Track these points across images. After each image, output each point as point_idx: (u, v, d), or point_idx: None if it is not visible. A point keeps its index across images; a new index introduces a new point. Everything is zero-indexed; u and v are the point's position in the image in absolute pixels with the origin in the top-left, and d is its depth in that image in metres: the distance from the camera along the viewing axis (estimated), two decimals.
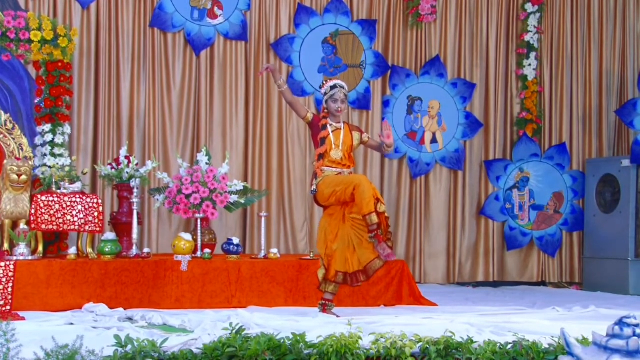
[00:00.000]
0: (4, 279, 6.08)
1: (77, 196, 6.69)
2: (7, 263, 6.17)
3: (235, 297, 6.76)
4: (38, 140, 7.47)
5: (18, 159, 6.86)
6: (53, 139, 7.38)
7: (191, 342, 4.08)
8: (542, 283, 9.74)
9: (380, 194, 5.95)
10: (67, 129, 7.51)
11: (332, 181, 5.99)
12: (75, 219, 6.63)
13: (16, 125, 7.21)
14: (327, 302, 6.08)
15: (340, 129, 6.17)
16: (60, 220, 6.60)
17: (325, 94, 6.18)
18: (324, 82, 6.28)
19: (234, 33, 8.91)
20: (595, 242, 9.42)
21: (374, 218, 5.76)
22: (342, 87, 6.18)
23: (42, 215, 6.54)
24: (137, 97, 8.57)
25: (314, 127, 6.20)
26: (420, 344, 4.14)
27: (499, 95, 9.76)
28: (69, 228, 6.67)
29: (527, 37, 9.75)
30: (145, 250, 6.98)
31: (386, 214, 5.87)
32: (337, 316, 5.87)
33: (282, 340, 3.95)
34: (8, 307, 6.00)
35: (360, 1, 9.40)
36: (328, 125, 6.12)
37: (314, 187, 6.06)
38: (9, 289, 6.07)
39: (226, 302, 6.68)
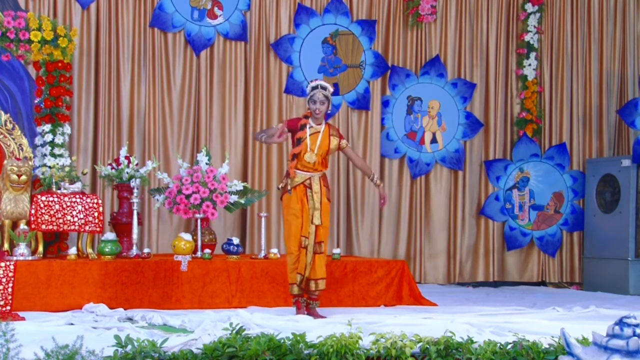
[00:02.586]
0: (4, 279, 6.08)
1: (77, 196, 6.69)
2: (7, 263, 6.17)
3: (235, 297, 6.76)
4: (38, 140, 7.47)
5: (18, 159, 6.86)
6: (53, 139, 7.38)
7: (191, 342, 4.08)
8: (542, 283, 9.74)
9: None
10: (67, 129, 7.50)
11: (289, 215, 6.06)
12: (75, 219, 6.63)
13: (16, 126, 7.21)
14: (310, 301, 6.18)
15: (319, 131, 6.11)
16: (60, 221, 6.59)
17: (308, 94, 6.14)
18: (309, 82, 6.24)
19: (233, 33, 8.91)
20: (595, 242, 9.42)
21: (294, 289, 6.08)
22: (323, 88, 6.10)
23: (42, 216, 6.54)
24: (137, 97, 8.58)
25: (292, 131, 6.14)
26: (421, 344, 4.14)
27: (498, 95, 9.75)
28: (69, 228, 6.67)
29: (527, 37, 9.75)
30: (145, 250, 6.98)
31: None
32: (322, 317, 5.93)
33: (282, 341, 3.95)
34: (8, 307, 6.01)
35: (360, 1, 9.39)
36: (307, 127, 6.08)
37: (287, 186, 6.04)
38: (9, 289, 6.07)
39: (226, 302, 6.68)
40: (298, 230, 6.01)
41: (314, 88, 6.09)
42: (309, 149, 6.03)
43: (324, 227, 6.09)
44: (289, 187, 6.02)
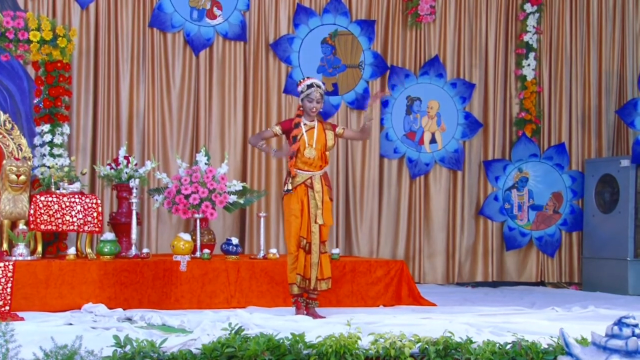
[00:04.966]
0: (3, 280, 6.08)
1: (76, 196, 6.69)
2: (6, 263, 6.17)
3: (234, 297, 6.75)
4: (37, 140, 7.47)
5: (17, 159, 6.86)
6: (52, 139, 7.38)
7: (190, 342, 4.08)
8: (541, 283, 9.75)
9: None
10: (66, 129, 7.50)
11: (290, 215, 6.07)
12: (74, 219, 6.63)
13: (15, 126, 7.21)
14: (309, 301, 6.18)
15: (314, 127, 6.13)
16: (59, 221, 6.59)
17: (302, 92, 6.12)
18: (301, 81, 6.23)
19: (233, 33, 8.91)
20: (594, 242, 9.42)
21: (294, 289, 6.09)
22: (319, 87, 6.12)
23: (41, 216, 6.53)
24: (136, 97, 8.58)
25: (287, 132, 6.16)
26: (420, 344, 4.14)
27: (497, 96, 9.76)
28: (68, 228, 6.66)
29: (526, 37, 9.76)
30: (145, 250, 6.98)
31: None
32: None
33: (281, 341, 3.95)
34: (7, 308, 6.00)
35: (359, 1, 9.39)
36: (302, 124, 6.10)
37: (289, 186, 6.04)
38: (8, 290, 6.07)
39: (225, 303, 6.68)
40: (297, 231, 6.02)
41: (309, 86, 6.09)
42: (307, 145, 6.04)
43: (326, 226, 6.11)
44: (290, 187, 6.02)
